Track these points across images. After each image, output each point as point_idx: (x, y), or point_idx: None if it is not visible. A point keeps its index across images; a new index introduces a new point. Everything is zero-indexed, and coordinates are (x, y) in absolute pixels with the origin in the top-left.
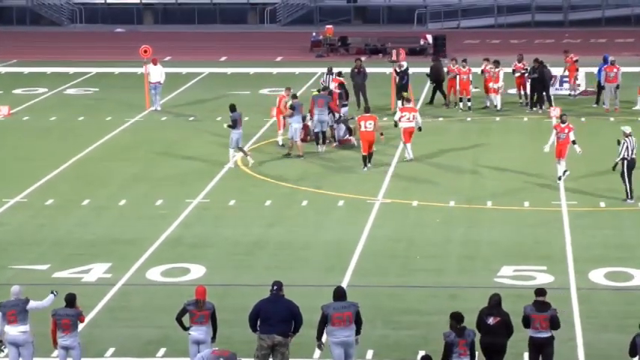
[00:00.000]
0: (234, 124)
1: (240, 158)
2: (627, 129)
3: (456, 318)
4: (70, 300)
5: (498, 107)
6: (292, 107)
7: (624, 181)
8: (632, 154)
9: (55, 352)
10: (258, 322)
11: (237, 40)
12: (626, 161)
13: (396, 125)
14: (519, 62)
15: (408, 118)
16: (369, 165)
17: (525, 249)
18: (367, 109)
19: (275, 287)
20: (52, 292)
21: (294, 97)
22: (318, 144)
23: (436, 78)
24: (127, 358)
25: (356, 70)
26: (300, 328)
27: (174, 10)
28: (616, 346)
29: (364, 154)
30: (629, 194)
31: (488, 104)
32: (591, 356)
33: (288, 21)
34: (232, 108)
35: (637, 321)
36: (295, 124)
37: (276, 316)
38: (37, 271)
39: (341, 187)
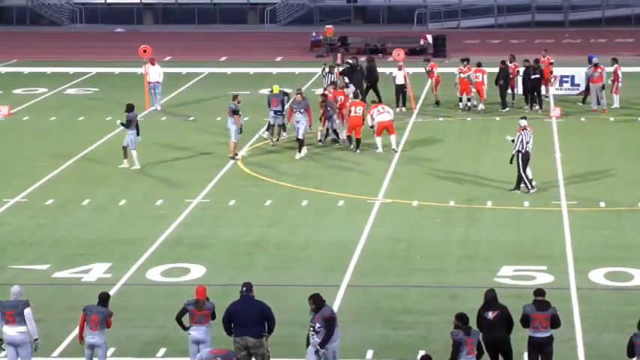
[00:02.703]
0: (128, 124)
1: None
2: (523, 122)
3: (462, 319)
4: (104, 299)
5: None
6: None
7: (519, 174)
8: (526, 147)
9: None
10: (232, 325)
11: (237, 40)
12: (520, 154)
13: (372, 130)
14: (510, 63)
15: (379, 110)
16: (357, 151)
17: (525, 249)
18: (357, 95)
19: (244, 289)
20: (35, 340)
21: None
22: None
23: (369, 78)
24: (127, 358)
25: (359, 68)
26: (274, 328)
27: (174, 10)
28: (616, 346)
29: (348, 134)
30: (528, 185)
31: (479, 105)
32: (591, 356)
33: (288, 21)
34: (129, 108)
35: (637, 321)
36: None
37: (248, 318)
38: (37, 271)
39: (341, 187)
